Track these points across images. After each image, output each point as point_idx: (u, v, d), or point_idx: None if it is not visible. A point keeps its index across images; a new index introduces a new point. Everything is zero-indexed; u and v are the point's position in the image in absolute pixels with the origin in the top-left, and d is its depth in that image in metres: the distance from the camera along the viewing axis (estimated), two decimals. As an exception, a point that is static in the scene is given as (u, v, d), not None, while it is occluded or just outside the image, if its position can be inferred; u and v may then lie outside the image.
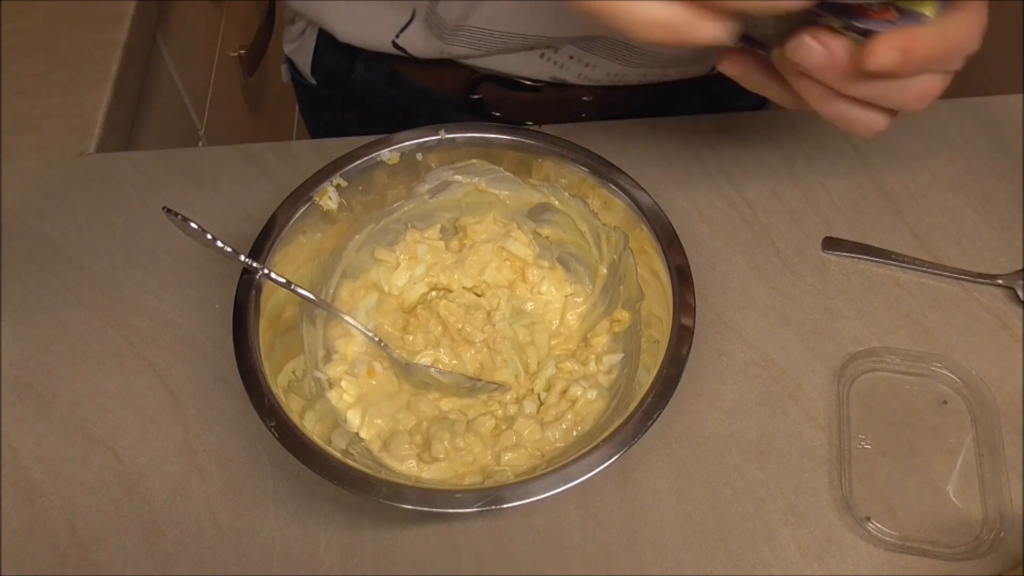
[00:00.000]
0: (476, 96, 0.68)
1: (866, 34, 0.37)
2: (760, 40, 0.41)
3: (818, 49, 0.37)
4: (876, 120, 0.43)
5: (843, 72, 0.38)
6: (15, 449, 0.51)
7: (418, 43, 0.64)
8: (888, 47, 0.37)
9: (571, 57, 0.63)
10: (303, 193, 0.50)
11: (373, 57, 0.68)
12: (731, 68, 0.43)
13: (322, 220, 0.51)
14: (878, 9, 0.38)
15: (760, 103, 0.76)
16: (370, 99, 0.72)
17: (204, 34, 1.14)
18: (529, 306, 0.56)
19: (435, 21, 0.61)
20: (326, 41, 0.69)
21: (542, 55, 0.63)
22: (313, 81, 0.74)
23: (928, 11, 0.38)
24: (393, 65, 0.68)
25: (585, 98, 0.67)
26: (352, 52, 0.68)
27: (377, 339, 0.51)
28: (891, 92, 0.41)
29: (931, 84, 0.41)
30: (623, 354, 0.51)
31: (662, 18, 0.34)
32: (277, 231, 0.49)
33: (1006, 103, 0.66)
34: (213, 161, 0.63)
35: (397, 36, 0.64)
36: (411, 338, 0.54)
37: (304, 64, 0.74)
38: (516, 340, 0.54)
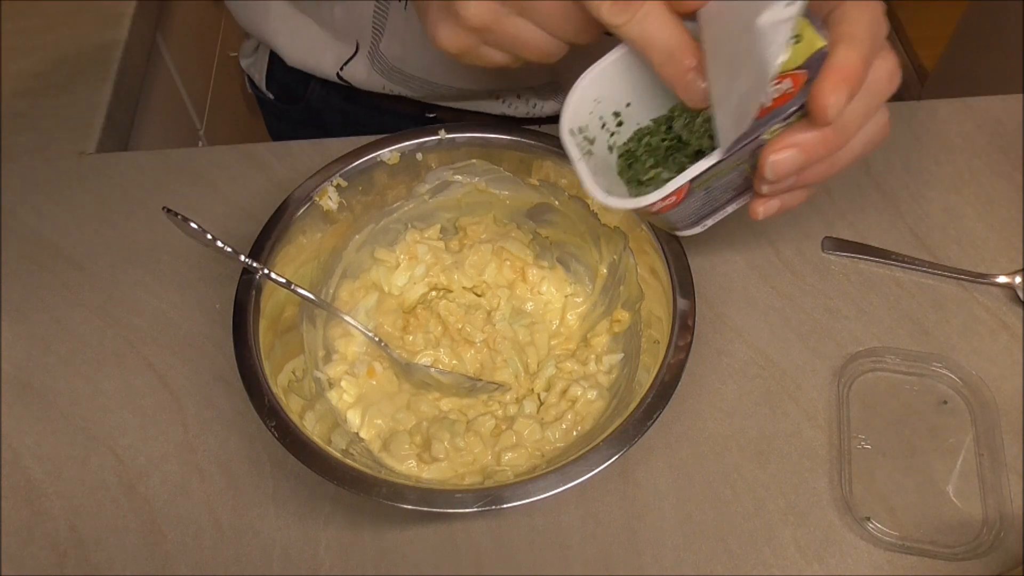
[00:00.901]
0: (432, 115, 0.68)
1: (802, 108, 0.37)
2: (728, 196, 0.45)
3: (787, 154, 0.38)
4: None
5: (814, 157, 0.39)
6: (15, 449, 0.51)
7: (362, 76, 0.64)
8: (776, 153, 0.38)
9: (519, 96, 0.63)
10: (303, 193, 0.50)
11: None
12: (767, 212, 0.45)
13: (322, 220, 0.51)
14: (784, 92, 0.37)
15: None
16: (327, 114, 0.72)
17: (204, 34, 1.14)
18: (529, 306, 0.56)
19: (378, 57, 0.62)
20: (279, 58, 0.68)
21: (488, 93, 0.63)
22: (270, 95, 0.74)
23: (818, 43, 0.37)
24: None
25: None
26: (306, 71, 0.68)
27: (377, 339, 0.51)
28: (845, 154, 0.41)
29: (873, 125, 0.41)
30: (623, 354, 0.51)
31: None
32: (277, 231, 0.49)
33: (1006, 103, 0.66)
34: (213, 161, 0.63)
35: (342, 68, 0.64)
36: (411, 338, 0.54)
37: (260, 79, 0.73)
38: (516, 340, 0.54)
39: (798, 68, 0.37)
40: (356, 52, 0.63)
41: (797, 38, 0.38)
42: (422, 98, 0.65)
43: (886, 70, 0.39)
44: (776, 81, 0.37)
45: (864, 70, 0.37)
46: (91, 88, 0.70)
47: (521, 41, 0.40)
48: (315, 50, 0.64)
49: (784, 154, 0.38)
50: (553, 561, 0.47)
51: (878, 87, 0.39)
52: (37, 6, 0.76)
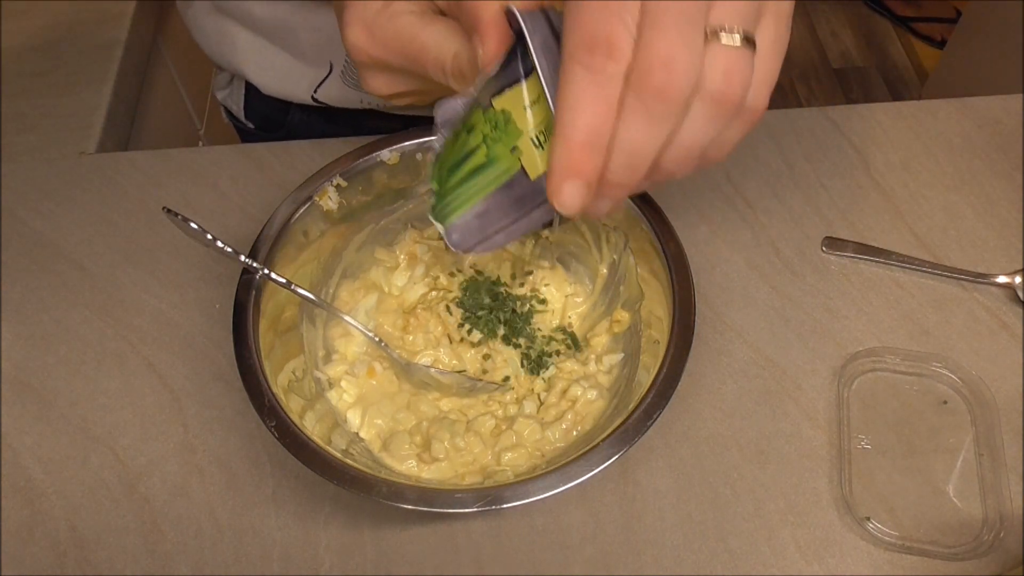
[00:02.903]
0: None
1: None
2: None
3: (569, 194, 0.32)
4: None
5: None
6: (15, 449, 0.51)
7: (335, 94, 0.64)
8: (553, 192, 0.32)
9: None
10: (303, 193, 0.50)
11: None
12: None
13: (322, 220, 0.51)
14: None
15: None
16: (310, 138, 0.71)
17: (204, 34, 1.14)
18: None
19: (350, 72, 0.61)
20: (256, 88, 0.68)
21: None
22: (251, 125, 0.74)
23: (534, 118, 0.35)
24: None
25: None
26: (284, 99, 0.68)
27: (377, 339, 0.51)
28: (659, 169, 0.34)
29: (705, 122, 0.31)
30: (623, 354, 0.51)
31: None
32: (277, 231, 0.49)
33: (1006, 103, 0.66)
34: (213, 161, 0.63)
35: (315, 91, 0.64)
36: (411, 338, 0.54)
37: (238, 110, 0.73)
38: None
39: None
40: (330, 72, 0.63)
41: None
42: (397, 110, 0.65)
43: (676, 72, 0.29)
44: None
45: (586, 153, 0.30)
46: (91, 88, 0.70)
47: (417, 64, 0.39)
48: (289, 76, 0.64)
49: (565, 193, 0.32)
50: (553, 561, 0.47)
51: (653, 99, 0.29)
52: (37, 7, 0.76)
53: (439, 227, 0.39)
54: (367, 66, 0.42)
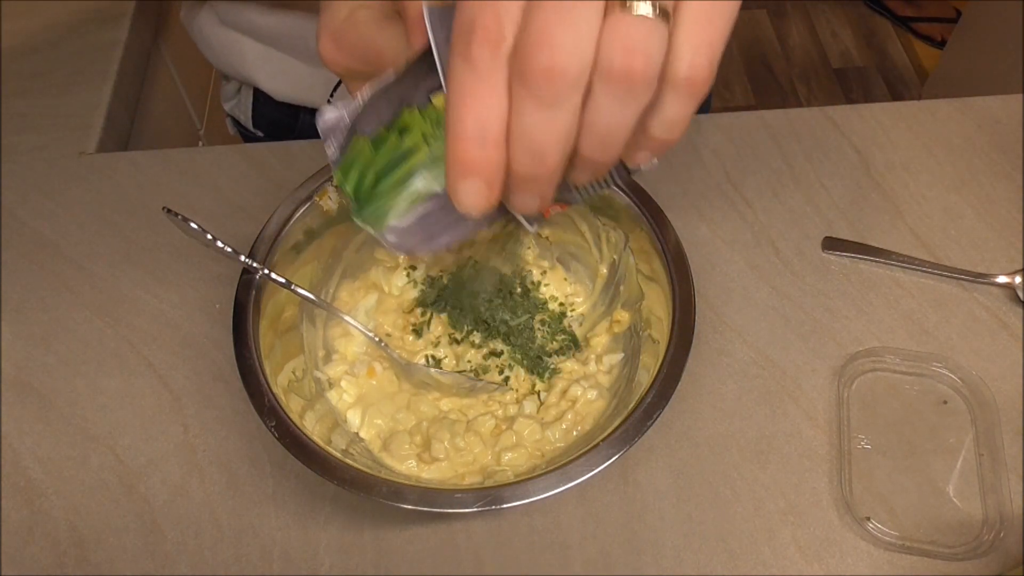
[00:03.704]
0: None
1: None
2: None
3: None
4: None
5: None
6: (15, 449, 0.51)
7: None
8: (452, 193, 0.29)
9: None
10: (303, 193, 0.50)
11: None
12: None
13: (322, 220, 0.51)
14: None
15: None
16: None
17: (204, 34, 1.14)
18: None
19: None
20: (264, 96, 0.68)
21: None
22: (260, 134, 0.73)
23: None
24: None
25: None
26: (294, 104, 0.67)
27: (377, 339, 0.51)
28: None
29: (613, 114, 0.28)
30: (623, 354, 0.51)
31: None
32: (277, 231, 0.49)
33: (1006, 103, 0.66)
34: (213, 161, 0.63)
35: (332, 95, 0.63)
36: (411, 338, 0.54)
37: (246, 120, 0.73)
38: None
39: None
40: None
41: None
42: None
43: (608, 51, 0.26)
44: None
45: (479, 147, 0.28)
46: (91, 88, 0.70)
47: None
48: (301, 81, 0.64)
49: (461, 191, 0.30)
50: (553, 561, 0.47)
51: (544, 83, 0.27)
52: (37, 7, 0.76)
53: (370, 230, 0.38)
54: (343, 75, 0.42)
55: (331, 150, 0.37)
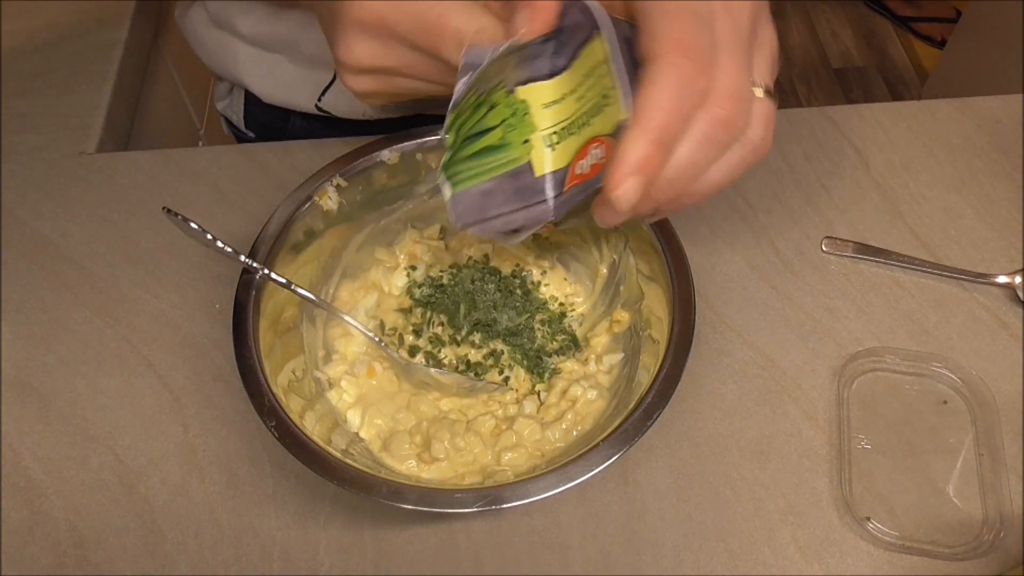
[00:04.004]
0: None
1: None
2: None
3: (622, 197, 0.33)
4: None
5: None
6: (15, 449, 0.51)
7: (341, 104, 0.64)
8: (615, 184, 0.31)
9: None
10: (303, 193, 0.50)
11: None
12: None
13: (322, 220, 0.51)
14: (600, 159, 0.36)
15: None
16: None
17: (204, 34, 1.14)
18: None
19: None
20: (256, 98, 0.68)
21: None
22: (251, 134, 0.74)
23: (620, 114, 0.34)
24: None
25: None
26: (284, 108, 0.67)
27: (377, 339, 0.51)
28: (689, 192, 0.35)
29: (717, 168, 0.33)
30: (623, 354, 0.51)
31: None
32: (277, 231, 0.49)
33: (1006, 103, 0.66)
34: (213, 161, 0.63)
35: (319, 99, 0.63)
36: (411, 338, 0.54)
37: (238, 120, 0.73)
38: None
39: (609, 135, 0.35)
40: (334, 79, 0.63)
41: (606, 98, 0.35)
42: (404, 114, 0.65)
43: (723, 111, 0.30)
44: (594, 144, 0.36)
45: (657, 152, 0.30)
46: (91, 88, 0.70)
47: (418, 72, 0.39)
48: (291, 85, 0.64)
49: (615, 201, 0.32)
50: (553, 561, 0.47)
51: (720, 126, 0.31)
52: (37, 7, 0.76)
53: (446, 192, 0.39)
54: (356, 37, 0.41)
55: (459, 84, 0.37)
